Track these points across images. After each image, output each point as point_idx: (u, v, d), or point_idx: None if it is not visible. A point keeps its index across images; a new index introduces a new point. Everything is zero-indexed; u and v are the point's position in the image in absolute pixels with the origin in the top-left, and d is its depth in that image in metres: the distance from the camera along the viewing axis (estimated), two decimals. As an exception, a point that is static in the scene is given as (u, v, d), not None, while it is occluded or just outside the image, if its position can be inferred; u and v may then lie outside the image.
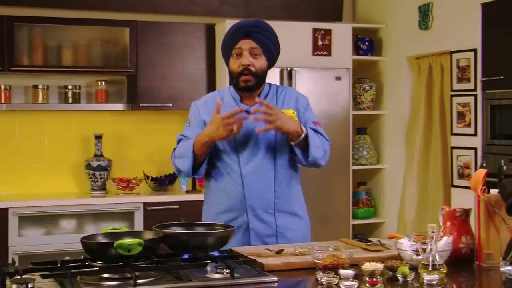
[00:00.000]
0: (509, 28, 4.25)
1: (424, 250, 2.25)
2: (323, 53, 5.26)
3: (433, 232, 2.22)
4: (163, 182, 5.24)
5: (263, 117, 2.80)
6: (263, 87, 3.01)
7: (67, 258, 2.34)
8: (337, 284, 2.10)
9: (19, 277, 2.06)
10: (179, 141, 3.00)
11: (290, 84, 5.12)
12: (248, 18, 3.39)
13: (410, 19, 5.20)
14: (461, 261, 2.51)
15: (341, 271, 2.17)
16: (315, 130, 2.95)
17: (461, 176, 4.61)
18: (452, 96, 4.69)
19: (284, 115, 2.86)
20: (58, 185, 5.20)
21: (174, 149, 2.99)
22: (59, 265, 2.27)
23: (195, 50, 5.25)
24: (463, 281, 2.42)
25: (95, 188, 5.12)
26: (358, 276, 2.16)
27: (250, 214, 2.92)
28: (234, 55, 2.94)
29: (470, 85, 4.52)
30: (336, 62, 5.30)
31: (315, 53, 5.25)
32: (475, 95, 4.48)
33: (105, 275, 2.18)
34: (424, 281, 2.19)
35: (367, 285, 2.11)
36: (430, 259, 2.21)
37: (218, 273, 2.22)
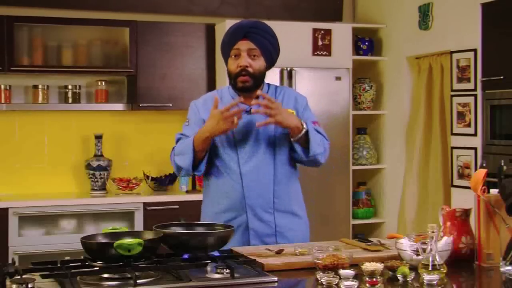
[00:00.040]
0: (509, 28, 4.25)
1: (424, 250, 2.25)
2: (323, 53, 5.26)
3: (433, 232, 2.22)
4: (163, 182, 5.24)
5: (264, 110, 2.80)
6: (261, 88, 3.01)
7: (67, 258, 2.34)
8: (337, 284, 2.10)
9: (19, 277, 2.06)
10: (178, 140, 3.00)
11: (290, 84, 5.12)
12: (248, 18, 3.39)
13: (410, 19, 5.20)
14: (461, 261, 2.51)
15: (341, 271, 2.17)
16: (315, 129, 2.95)
17: (461, 176, 4.61)
18: (452, 96, 4.69)
19: (284, 110, 2.86)
20: (58, 185, 5.20)
21: (173, 148, 3.00)
22: (59, 265, 2.26)
23: (195, 50, 5.25)
24: (463, 281, 2.42)
25: (95, 188, 5.12)
26: (358, 276, 2.16)
27: (249, 213, 2.92)
28: (233, 56, 2.93)
29: (470, 85, 4.52)
30: (336, 62, 5.30)
31: (315, 53, 5.25)
32: (475, 95, 4.48)
33: (105, 275, 2.18)
34: (424, 281, 2.19)
35: (367, 285, 2.11)
36: (430, 259, 2.20)
37: (218, 273, 2.22)
